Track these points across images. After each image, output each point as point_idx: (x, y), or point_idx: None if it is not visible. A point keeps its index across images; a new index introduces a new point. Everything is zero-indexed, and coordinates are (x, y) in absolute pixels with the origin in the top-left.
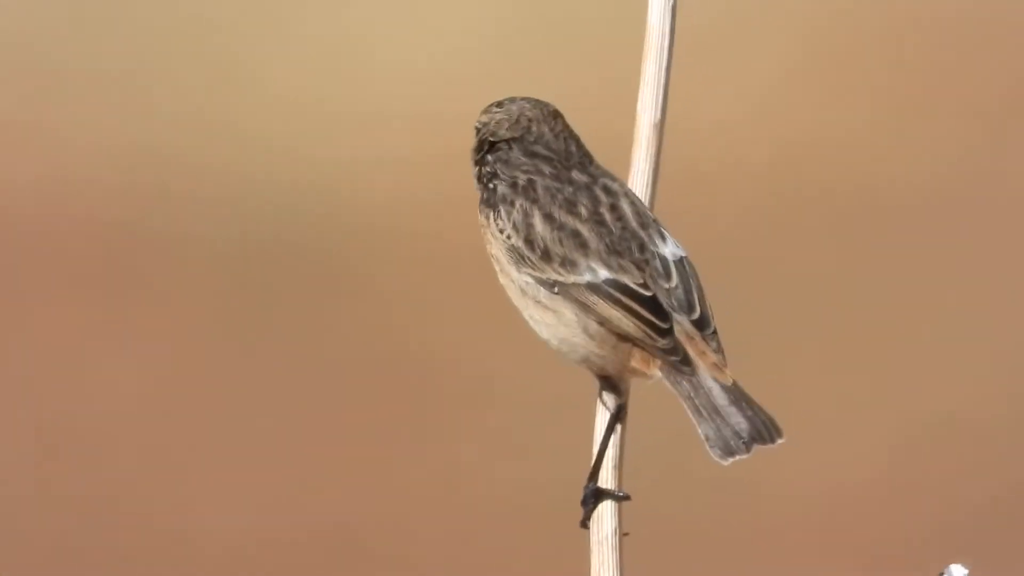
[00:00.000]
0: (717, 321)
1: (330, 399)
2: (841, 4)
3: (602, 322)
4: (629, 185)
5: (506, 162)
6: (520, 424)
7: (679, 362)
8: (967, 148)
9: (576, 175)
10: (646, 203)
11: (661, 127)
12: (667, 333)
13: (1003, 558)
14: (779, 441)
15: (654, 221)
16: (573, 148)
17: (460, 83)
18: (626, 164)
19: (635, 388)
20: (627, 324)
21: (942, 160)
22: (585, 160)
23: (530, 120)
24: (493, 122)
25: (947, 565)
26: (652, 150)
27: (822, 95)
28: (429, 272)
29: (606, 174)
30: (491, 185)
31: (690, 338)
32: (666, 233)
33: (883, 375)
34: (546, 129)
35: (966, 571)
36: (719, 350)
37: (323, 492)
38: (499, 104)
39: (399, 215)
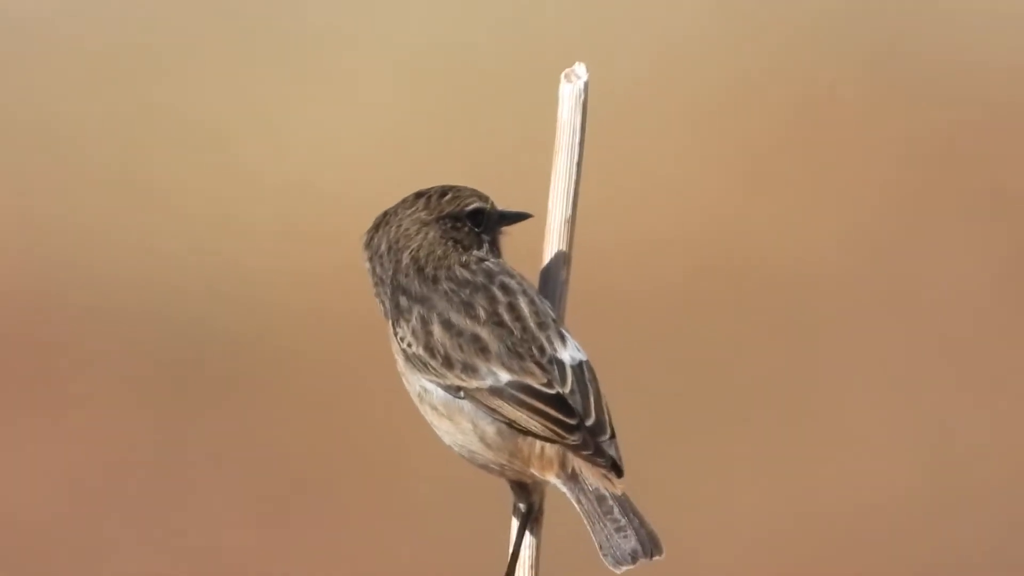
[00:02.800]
0: (633, 407)
1: (249, 484)
2: (738, 92)
3: (509, 424)
4: (539, 278)
5: (401, 287)
6: (440, 517)
7: (592, 455)
8: (864, 227)
9: (471, 274)
10: (557, 295)
11: (572, 222)
12: (575, 429)
13: None
14: (657, 558)
15: (553, 321)
16: (459, 243)
17: (368, 185)
18: (537, 258)
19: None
20: (534, 425)
21: (843, 238)
22: (482, 253)
23: (400, 249)
24: (377, 268)
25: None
26: (564, 245)
27: (725, 179)
28: (350, 355)
29: (504, 270)
30: (384, 297)
31: None
32: (566, 334)
33: (796, 453)
34: (421, 240)
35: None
36: (617, 456)
37: None
38: (368, 240)
39: (318, 292)
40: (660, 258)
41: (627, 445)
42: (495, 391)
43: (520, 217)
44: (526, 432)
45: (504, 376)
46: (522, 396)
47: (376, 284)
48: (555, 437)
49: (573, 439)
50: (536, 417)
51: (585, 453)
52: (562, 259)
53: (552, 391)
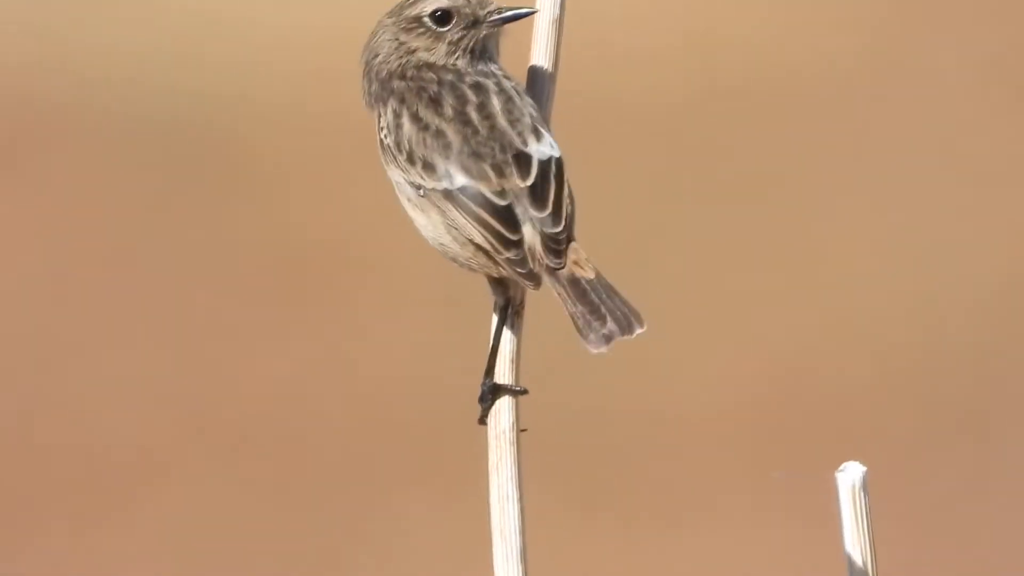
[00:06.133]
0: (624, 216)
1: (228, 285)
2: None
3: (458, 228)
4: (528, 81)
5: (378, 84)
6: (420, 317)
7: (524, 275)
8: (870, 35)
9: (436, 73)
10: (544, 96)
11: (560, 23)
12: (514, 245)
13: (900, 456)
14: (639, 332)
15: (532, 118)
16: (422, 46)
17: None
18: (525, 60)
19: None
20: (475, 234)
21: (846, 47)
22: (445, 53)
23: (373, 50)
24: (365, 67)
25: (844, 463)
26: (551, 47)
27: None
28: (334, 151)
29: (479, 71)
30: (368, 96)
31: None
32: (543, 131)
33: (787, 272)
34: (384, 42)
35: (863, 468)
36: (563, 249)
37: (213, 383)
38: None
39: (303, 91)
40: (653, 67)
41: (616, 236)
42: (447, 194)
43: (516, 16)
44: (467, 240)
45: (459, 179)
46: (470, 204)
47: (363, 82)
48: (492, 250)
49: (509, 254)
50: (479, 227)
51: (520, 271)
52: (550, 59)
53: (502, 202)
